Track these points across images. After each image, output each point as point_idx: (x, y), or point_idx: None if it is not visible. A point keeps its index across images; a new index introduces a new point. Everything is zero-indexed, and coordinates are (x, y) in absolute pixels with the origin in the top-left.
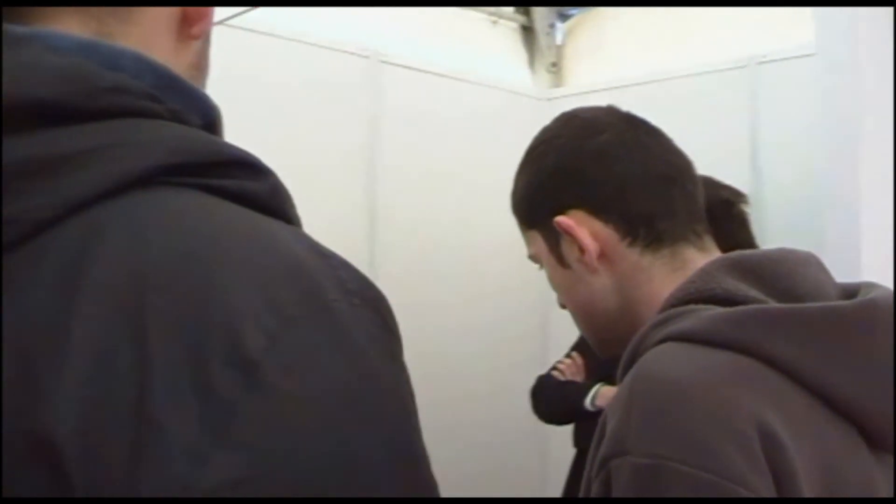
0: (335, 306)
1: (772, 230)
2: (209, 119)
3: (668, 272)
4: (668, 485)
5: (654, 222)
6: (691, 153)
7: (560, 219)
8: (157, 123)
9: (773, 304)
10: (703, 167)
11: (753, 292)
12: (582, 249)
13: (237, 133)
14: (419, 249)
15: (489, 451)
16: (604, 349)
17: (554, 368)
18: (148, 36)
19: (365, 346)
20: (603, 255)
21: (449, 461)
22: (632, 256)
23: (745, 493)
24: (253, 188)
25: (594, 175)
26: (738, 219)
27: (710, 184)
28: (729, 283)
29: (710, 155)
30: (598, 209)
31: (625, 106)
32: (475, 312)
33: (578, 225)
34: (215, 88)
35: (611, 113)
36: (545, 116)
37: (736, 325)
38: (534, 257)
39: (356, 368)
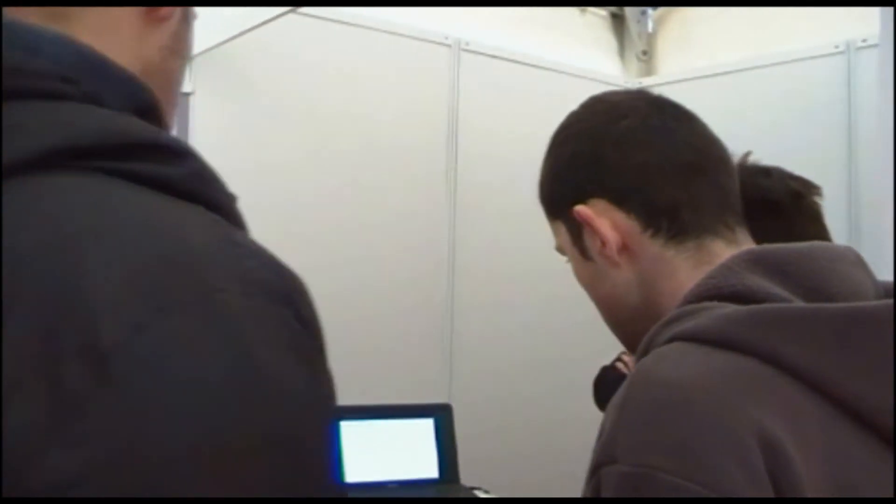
0: (220, 297)
1: (869, 226)
2: (140, 103)
3: (694, 266)
4: (655, 496)
5: (679, 213)
6: (784, 143)
7: (579, 208)
8: (63, 105)
9: (794, 304)
10: (796, 158)
11: (778, 290)
12: (603, 241)
13: (319, 124)
14: (499, 239)
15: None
16: (630, 344)
17: (618, 360)
18: (106, 19)
19: (253, 341)
20: (625, 248)
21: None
22: (654, 249)
23: None
24: (167, 172)
25: (614, 162)
26: (809, 212)
27: (780, 175)
28: (751, 280)
29: (805, 145)
30: (619, 199)
31: (717, 95)
32: (549, 303)
33: (599, 215)
34: (296, 78)
35: (638, 97)
36: None
37: (747, 325)
38: (559, 249)
39: (234, 364)
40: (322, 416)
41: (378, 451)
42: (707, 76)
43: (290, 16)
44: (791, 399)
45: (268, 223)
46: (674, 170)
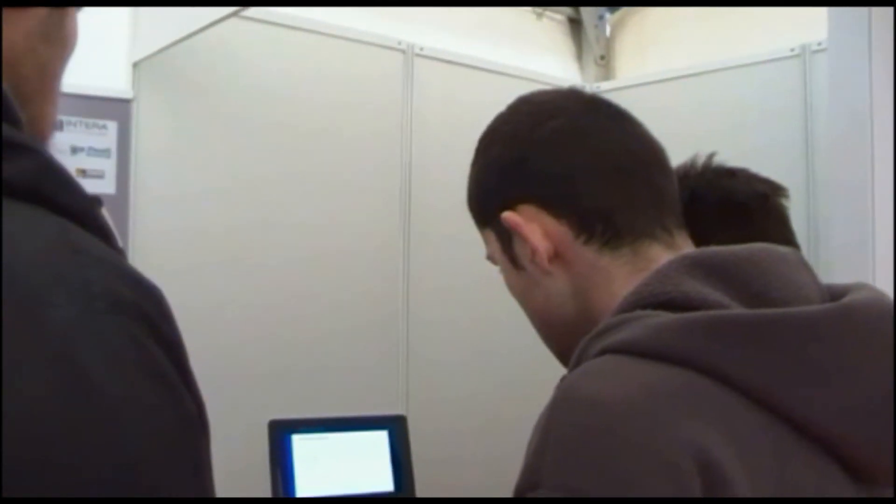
0: (48, 313)
1: (826, 227)
2: None
3: (630, 273)
4: None
5: (612, 217)
6: (741, 146)
7: (506, 215)
8: None
9: (732, 310)
10: (755, 160)
11: (717, 295)
12: (533, 249)
13: (268, 131)
14: (454, 248)
15: None
16: (565, 360)
17: None
18: None
19: (86, 359)
20: (557, 255)
21: None
22: (588, 255)
23: None
24: (5, 171)
25: (541, 166)
26: (775, 214)
27: (745, 177)
28: (688, 285)
29: (762, 148)
30: (549, 204)
31: (675, 98)
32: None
33: (528, 222)
34: (248, 83)
35: (569, 96)
36: None
37: (683, 334)
38: (490, 258)
39: (62, 387)
40: (179, 438)
41: (331, 464)
42: (665, 80)
43: (238, 20)
44: (732, 414)
45: (215, 233)
46: (605, 172)
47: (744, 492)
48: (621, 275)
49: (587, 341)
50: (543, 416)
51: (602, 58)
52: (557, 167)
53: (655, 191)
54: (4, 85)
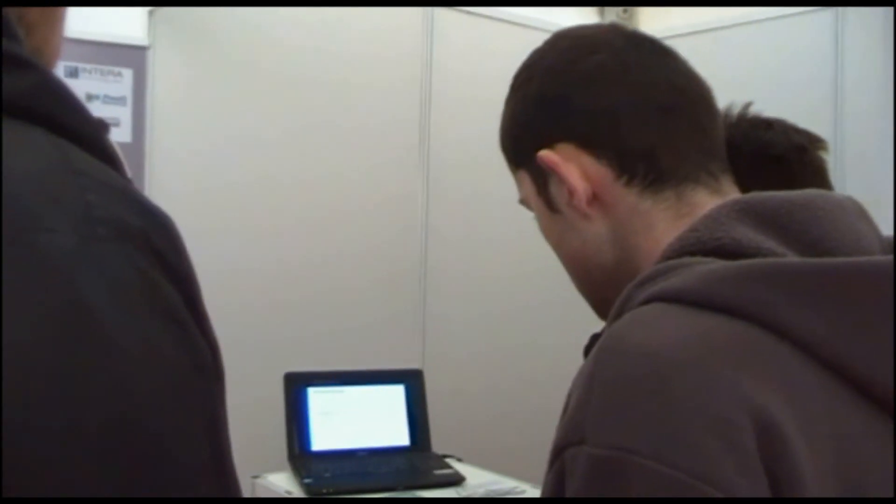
0: (43, 238)
1: (853, 182)
2: None
3: (674, 218)
4: (628, 483)
5: (655, 158)
6: (771, 100)
7: (543, 153)
8: None
9: (791, 259)
10: (783, 115)
11: (770, 243)
12: (570, 191)
13: (287, 81)
14: (473, 204)
15: None
16: (602, 311)
17: None
18: None
19: (87, 290)
20: (596, 198)
21: None
22: (629, 198)
23: (721, 499)
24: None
25: (582, 102)
26: (814, 166)
27: (783, 128)
28: (739, 232)
29: (791, 102)
30: (589, 142)
31: (700, 52)
32: (529, 256)
33: (565, 161)
34: (266, 33)
35: (611, 31)
36: None
37: (738, 282)
38: (524, 202)
39: (60, 320)
40: (190, 383)
41: (347, 417)
42: (691, 33)
43: None
44: (790, 370)
45: (232, 183)
46: (650, 110)
47: (799, 452)
48: (664, 220)
49: (631, 289)
50: (587, 367)
51: (625, 11)
52: (599, 103)
53: (701, 132)
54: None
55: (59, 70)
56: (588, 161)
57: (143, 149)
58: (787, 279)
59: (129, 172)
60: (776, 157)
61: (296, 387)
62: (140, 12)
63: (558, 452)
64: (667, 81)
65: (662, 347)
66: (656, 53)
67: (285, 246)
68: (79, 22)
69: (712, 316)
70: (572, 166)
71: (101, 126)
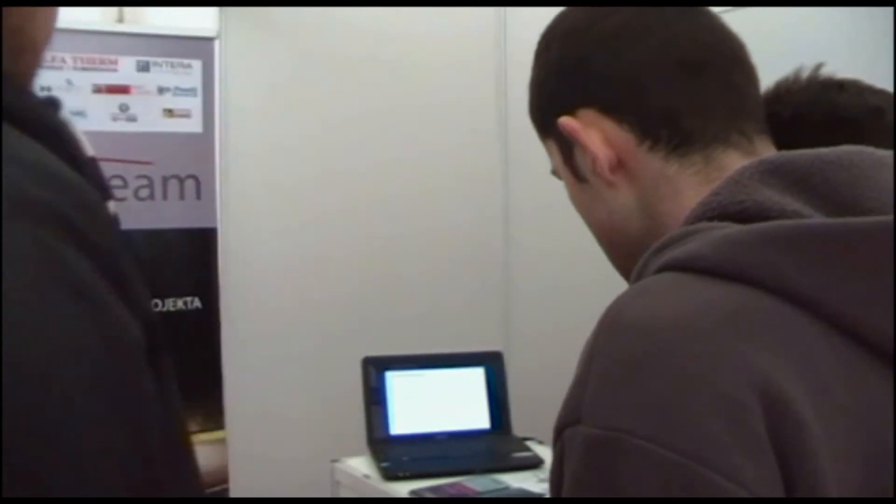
0: None
1: None
2: None
3: (702, 183)
4: (624, 465)
5: (680, 119)
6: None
7: (563, 120)
8: None
9: (811, 220)
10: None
11: (796, 205)
12: (593, 158)
13: (362, 63)
14: (554, 185)
15: None
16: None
17: None
18: None
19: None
20: (621, 165)
21: None
22: (654, 164)
23: (722, 483)
24: None
25: (602, 64)
26: (890, 131)
27: (857, 89)
28: (763, 194)
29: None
30: (610, 107)
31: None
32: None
33: (587, 127)
34: (336, 18)
35: None
36: None
37: (751, 247)
38: (555, 173)
39: None
40: (88, 356)
41: (427, 401)
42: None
43: None
44: (805, 340)
45: (307, 170)
46: (673, 69)
47: (812, 431)
48: (691, 185)
49: (648, 256)
50: (588, 342)
51: None
52: (618, 65)
53: (732, 90)
54: None
55: (131, 65)
56: (610, 126)
57: (213, 138)
58: (803, 242)
59: (90, 150)
60: (848, 120)
61: (375, 371)
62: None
63: (559, 433)
64: (691, 38)
65: (664, 321)
66: (682, 10)
67: (363, 231)
68: (148, 17)
69: (723, 284)
70: (594, 132)
71: (44, 105)
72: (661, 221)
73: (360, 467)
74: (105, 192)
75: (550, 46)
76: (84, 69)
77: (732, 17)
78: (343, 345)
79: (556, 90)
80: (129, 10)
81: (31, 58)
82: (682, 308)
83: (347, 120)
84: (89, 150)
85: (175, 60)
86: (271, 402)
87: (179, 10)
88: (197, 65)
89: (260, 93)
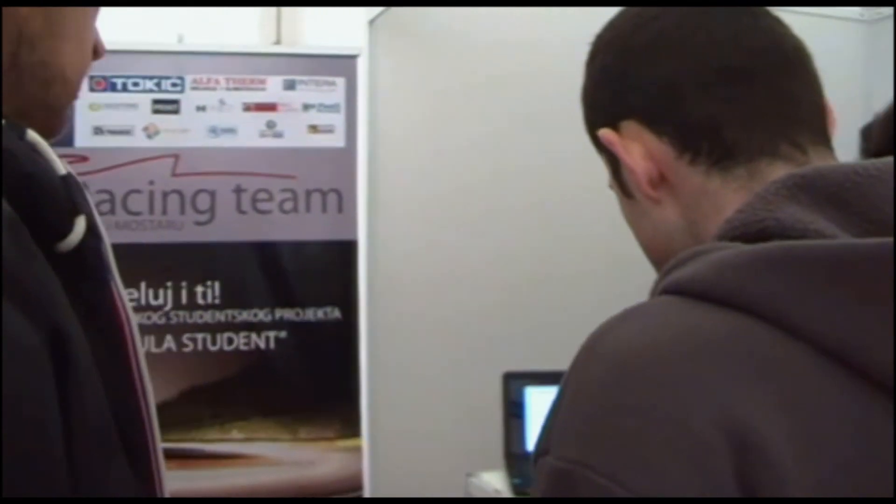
0: None
1: None
2: None
3: (745, 198)
4: (577, 498)
5: (721, 130)
6: None
7: (602, 132)
8: None
9: (817, 241)
10: None
11: (821, 223)
12: (631, 171)
13: (503, 78)
14: None
15: None
16: None
17: None
18: None
19: None
20: (664, 179)
21: None
22: (695, 178)
23: None
24: None
25: (641, 75)
26: None
27: None
28: (787, 212)
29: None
30: (649, 118)
31: None
32: None
33: (630, 140)
34: (479, 33)
35: None
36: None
37: (747, 271)
38: (612, 187)
39: None
40: None
41: None
42: None
43: None
44: (800, 374)
45: (449, 182)
46: (714, 76)
47: (785, 473)
48: (734, 201)
49: (658, 278)
50: (569, 366)
51: None
52: (657, 74)
53: (782, 97)
54: None
55: (278, 84)
56: (650, 139)
57: (356, 153)
58: (798, 265)
59: (62, 169)
60: None
61: (514, 386)
62: (354, 22)
63: (534, 462)
64: (735, 43)
65: (637, 350)
66: (731, 13)
67: (506, 243)
68: (305, 37)
69: (716, 310)
70: (635, 146)
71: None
72: (704, 240)
73: (493, 482)
74: (74, 206)
75: (596, 56)
76: (235, 89)
77: None
78: (484, 357)
79: (600, 102)
80: (286, 31)
81: (61, 88)
82: (660, 336)
83: (490, 131)
84: (61, 168)
85: (319, 78)
86: (409, 412)
87: (331, 29)
88: (340, 82)
89: (406, 106)
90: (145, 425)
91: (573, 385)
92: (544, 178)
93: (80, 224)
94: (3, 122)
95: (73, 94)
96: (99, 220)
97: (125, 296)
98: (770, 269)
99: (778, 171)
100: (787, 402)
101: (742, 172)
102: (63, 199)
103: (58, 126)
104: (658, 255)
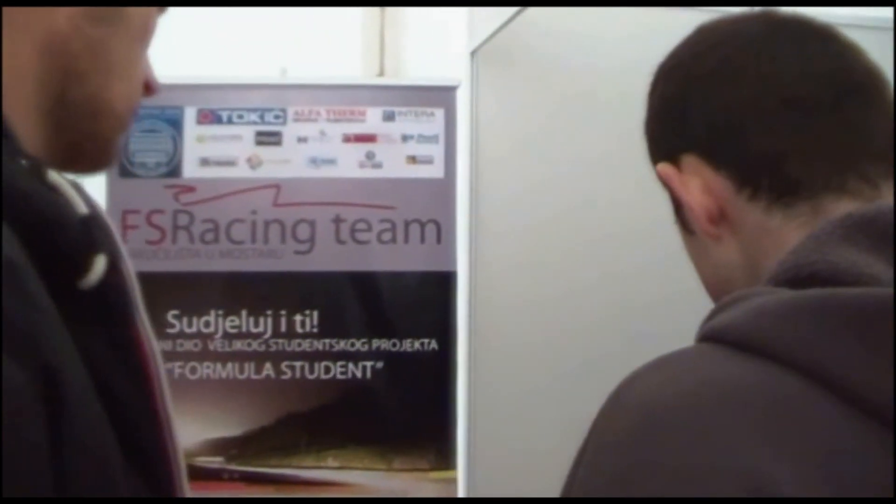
0: None
1: None
2: None
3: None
4: None
5: (783, 164)
6: None
7: (660, 166)
8: None
9: (851, 290)
10: None
11: (879, 267)
12: (688, 207)
13: (606, 103)
14: None
15: None
16: None
17: None
18: None
19: None
20: (724, 217)
21: None
22: (755, 215)
23: None
24: None
25: (699, 105)
26: None
27: None
28: (840, 254)
29: None
30: (708, 152)
31: None
32: None
33: (688, 175)
34: (578, 60)
35: (754, 18)
36: None
37: (781, 319)
38: (675, 221)
39: None
40: None
41: None
42: None
43: None
44: (833, 430)
45: (557, 207)
46: (775, 107)
47: None
48: (796, 240)
49: (702, 322)
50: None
51: None
52: (713, 106)
53: (851, 127)
54: None
55: (378, 115)
56: (709, 173)
57: (454, 183)
58: (835, 315)
59: (83, 209)
60: None
61: None
62: (456, 53)
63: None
64: (801, 71)
65: (662, 402)
66: (800, 38)
67: (607, 270)
68: (408, 69)
69: (749, 360)
70: (694, 180)
71: (13, 172)
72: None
73: None
74: (93, 247)
75: (656, 86)
76: (335, 120)
77: None
78: (587, 388)
79: (660, 134)
80: (388, 63)
81: (112, 121)
82: (687, 388)
83: (591, 158)
84: (83, 209)
85: (419, 109)
86: (508, 445)
87: (433, 61)
88: (440, 113)
89: (507, 135)
90: (170, 459)
91: (598, 434)
92: (647, 202)
93: (100, 263)
94: (25, 164)
95: (123, 127)
96: (126, 258)
97: (150, 332)
98: (805, 317)
99: (844, 207)
100: (818, 459)
101: (805, 209)
102: (80, 238)
103: (108, 157)
104: (718, 295)
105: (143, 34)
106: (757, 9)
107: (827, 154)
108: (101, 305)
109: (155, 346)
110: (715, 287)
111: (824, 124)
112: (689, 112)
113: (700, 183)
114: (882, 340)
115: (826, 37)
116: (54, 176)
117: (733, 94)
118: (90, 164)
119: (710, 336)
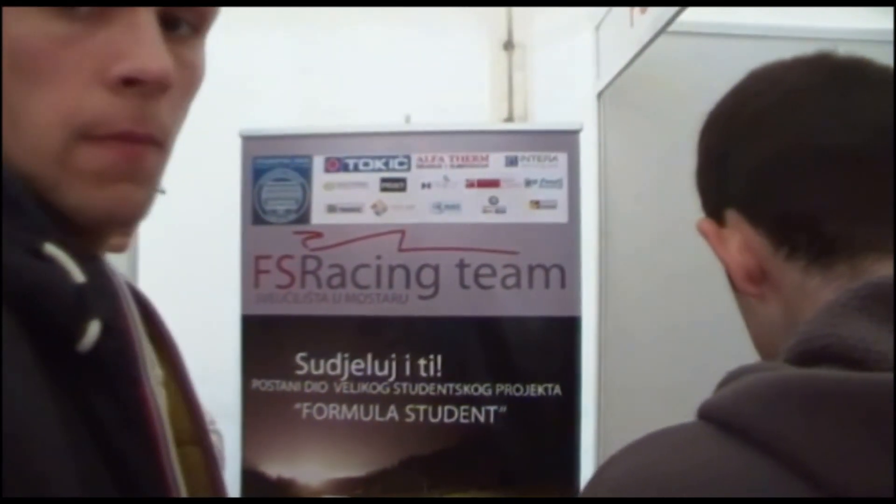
0: None
1: None
2: None
3: None
4: None
5: (822, 223)
6: None
7: (699, 221)
8: None
9: (831, 373)
10: None
11: (890, 344)
12: (725, 263)
13: None
14: None
15: None
16: None
17: None
18: None
19: None
20: (766, 275)
21: None
22: (794, 275)
23: None
24: None
25: (738, 159)
26: None
27: None
28: (853, 327)
29: None
30: (746, 207)
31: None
32: None
33: (730, 231)
34: (698, 98)
35: (801, 64)
36: None
37: (764, 402)
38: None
39: None
40: None
41: None
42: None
43: (668, 36)
44: None
45: (684, 262)
46: (814, 161)
47: None
48: None
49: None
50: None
51: None
52: (750, 160)
53: (892, 181)
54: None
55: (501, 160)
56: (749, 230)
57: (579, 228)
58: (814, 401)
59: (80, 277)
60: None
61: None
62: (582, 96)
63: None
64: (843, 121)
65: (630, 484)
66: (847, 86)
67: (738, 316)
68: (522, 113)
69: (733, 443)
70: (735, 237)
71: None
72: None
73: None
74: (86, 313)
75: (702, 138)
76: (459, 166)
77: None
78: None
79: (705, 188)
80: (517, 107)
81: (28, 177)
82: (664, 472)
83: None
84: (80, 277)
85: (541, 154)
86: None
87: (560, 105)
88: (562, 157)
89: (636, 177)
90: None
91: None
92: None
93: (93, 328)
94: (23, 239)
95: (51, 175)
96: (132, 321)
97: (157, 391)
98: (786, 402)
99: (885, 268)
100: None
101: (844, 269)
102: (73, 306)
103: (71, 203)
104: (765, 355)
105: (19, 64)
106: (814, 52)
107: (865, 211)
108: (101, 367)
109: (160, 403)
110: (761, 347)
111: (866, 178)
112: (729, 165)
113: (741, 240)
114: (864, 429)
115: (871, 83)
116: (51, 248)
117: (770, 146)
118: (72, 212)
119: (701, 413)
